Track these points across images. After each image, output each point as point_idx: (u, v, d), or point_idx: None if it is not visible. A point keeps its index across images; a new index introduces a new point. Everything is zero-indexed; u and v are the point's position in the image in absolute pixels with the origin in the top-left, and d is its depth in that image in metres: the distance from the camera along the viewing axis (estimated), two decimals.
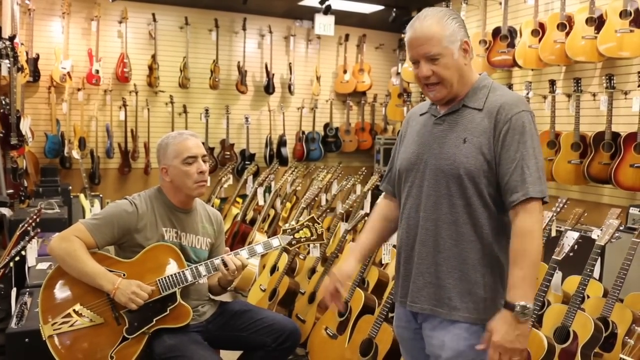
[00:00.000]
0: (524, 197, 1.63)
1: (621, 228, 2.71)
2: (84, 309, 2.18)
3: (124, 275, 2.25)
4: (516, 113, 1.68)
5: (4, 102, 5.01)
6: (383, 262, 3.57)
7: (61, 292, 2.22)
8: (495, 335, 1.60)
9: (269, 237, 4.75)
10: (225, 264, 2.33)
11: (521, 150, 1.65)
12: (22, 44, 5.94)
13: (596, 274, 2.66)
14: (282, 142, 7.73)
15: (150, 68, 7.03)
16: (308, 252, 4.03)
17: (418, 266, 1.80)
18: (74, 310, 2.18)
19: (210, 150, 7.28)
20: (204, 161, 2.45)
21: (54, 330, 2.15)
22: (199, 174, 2.41)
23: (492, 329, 1.62)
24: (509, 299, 1.61)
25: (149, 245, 2.34)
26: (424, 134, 1.84)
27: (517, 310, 1.58)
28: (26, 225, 3.12)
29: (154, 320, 2.23)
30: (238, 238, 5.21)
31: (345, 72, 8.04)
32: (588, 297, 2.85)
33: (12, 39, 4.95)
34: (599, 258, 2.65)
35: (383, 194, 2.11)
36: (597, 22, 4.49)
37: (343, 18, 7.47)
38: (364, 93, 8.14)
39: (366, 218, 3.98)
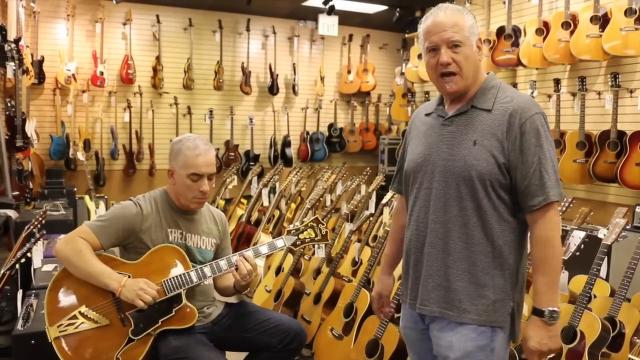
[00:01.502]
0: (545, 202, 1.65)
1: (628, 227, 2.70)
2: (89, 311, 2.18)
3: (129, 276, 2.25)
4: (530, 116, 1.67)
5: (9, 105, 5.03)
6: None
7: (67, 294, 2.22)
8: (530, 341, 1.67)
9: (273, 238, 4.76)
10: (236, 267, 2.34)
11: (538, 154, 1.66)
12: (27, 46, 5.96)
13: (603, 273, 2.65)
14: (286, 143, 7.73)
15: (155, 69, 7.04)
16: (313, 253, 4.03)
17: (427, 268, 1.79)
18: (79, 312, 2.18)
19: (215, 151, 7.26)
20: (210, 180, 2.43)
21: (59, 332, 2.15)
22: (199, 191, 2.40)
23: (526, 336, 1.69)
24: (537, 305, 1.67)
25: (154, 246, 2.34)
26: (432, 135, 1.82)
27: (546, 315, 1.65)
28: (32, 227, 3.12)
29: (160, 321, 2.23)
30: (243, 239, 5.21)
31: (349, 72, 8.03)
32: (595, 296, 2.83)
33: (17, 41, 4.97)
34: (606, 257, 2.63)
35: (397, 198, 2.12)
36: (602, 21, 4.47)
37: (347, 18, 7.46)
38: (368, 93, 8.13)
39: (371, 219, 3.98)
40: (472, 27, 1.72)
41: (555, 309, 1.64)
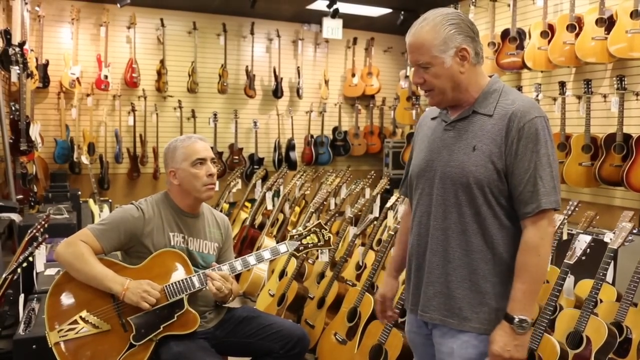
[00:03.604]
0: (537, 209, 1.61)
1: (634, 231, 2.66)
2: (90, 316, 2.17)
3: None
4: (529, 120, 1.62)
5: (13, 108, 5.04)
6: None
7: (67, 298, 2.21)
8: (494, 345, 1.64)
9: (277, 241, 4.74)
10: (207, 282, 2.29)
11: (535, 160, 1.62)
12: (31, 50, 5.98)
13: (609, 277, 2.62)
14: (290, 146, 7.72)
15: (159, 73, 7.05)
16: (317, 257, 4.01)
17: (428, 275, 1.77)
18: (80, 317, 2.16)
19: (219, 154, 7.28)
20: (213, 164, 2.44)
21: (60, 337, 2.13)
22: (207, 176, 2.40)
23: (492, 339, 1.65)
24: (509, 311, 1.64)
25: (156, 250, 2.33)
26: (434, 140, 1.80)
27: (515, 323, 1.61)
28: (34, 231, 3.11)
29: (161, 326, 2.21)
30: (247, 243, 5.20)
31: (353, 75, 8.02)
32: (601, 301, 2.80)
33: (21, 45, 4.98)
34: (612, 261, 2.60)
35: (405, 201, 2.10)
36: (607, 23, 4.45)
37: (351, 21, 7.46)
38: (372, 96, 8.12)
39: (375, 222, 3.96)
40: (444, 44, 1.64)
41: (526, 318, 1.61)
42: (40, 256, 3.16)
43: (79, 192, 5.94)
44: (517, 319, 1.61)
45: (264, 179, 6.19)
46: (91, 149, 6.64)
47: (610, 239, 2.63)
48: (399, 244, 2.08)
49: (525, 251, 1.64)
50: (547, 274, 3.09)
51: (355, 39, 7.96)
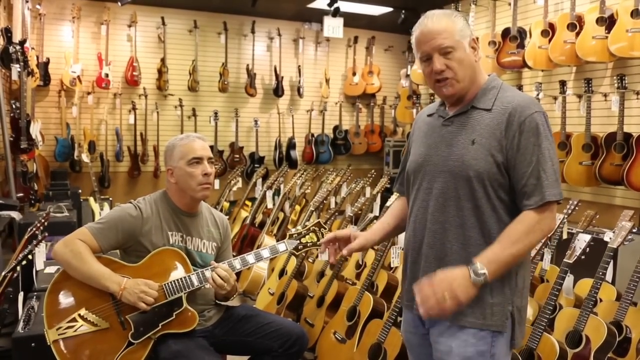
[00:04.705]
0: (541, 201, 1.62)
1: (634, 230, 2.66)
2: (89, 314, 2.17)
3: (129, 278, 2.23)
4: (529, 115, 1.64)
5: (14, 106, 5.04)
6: (392, 266, 3.53)
7: (66, 296, 2.21)
8: (441, 274, 1.60)
9: (277, 240, 4.74)
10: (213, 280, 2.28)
11: (537, 153, 1.63)
12: (32, 48, 5.98)
13: (609, 277, 2.62)
14: (291, 145, 7.72)
15: (160, 71, 7.05)
16: (317, 256, 4.01)
17: (425, 269, 1.77)
18: (79, 314, 2.17)
19: (220, 153, 7.28)
20: (210, 164, 2.44)
21: (59, 335, 2.14)
22: (203, 176, 2.39)
23: (443, 271, 1.62)
24: (476, 257, 1.61)
25: (154, 249, 2.33)
26: (432, 136, 1.81)
27: (473, 267, 1.58)
28: (34, 229, 3.11)
29: (160, 325, 2.22)
30: (247, 241, 5.20)
31: (354, 74, 8.02)
32: (600, 300, 2.80)
33: (22, 43, 4.98)
34: (612, 261, 2.60)
35: (398, 195, 2.08)
36: (608, 22, 4.44)
37: (352, 20, 7.45)
38: (373, 95, 8.11)
39: (375, 221, 3.95)
40: (463, 30, 1.69)
41: (485, 272, 1.56)
42: (40, 254, 3.16)
43: (80, 190, 5.94)
44: (478, 264, 1.57)
45: (265, 177, 6.18)
46: (92, 147, 6.64)
47: (610, 238, 2.64)
48: (389, 213, 2.04)
49: (520, 224, 1.63)
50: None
51: (356, 38, 7.96)
